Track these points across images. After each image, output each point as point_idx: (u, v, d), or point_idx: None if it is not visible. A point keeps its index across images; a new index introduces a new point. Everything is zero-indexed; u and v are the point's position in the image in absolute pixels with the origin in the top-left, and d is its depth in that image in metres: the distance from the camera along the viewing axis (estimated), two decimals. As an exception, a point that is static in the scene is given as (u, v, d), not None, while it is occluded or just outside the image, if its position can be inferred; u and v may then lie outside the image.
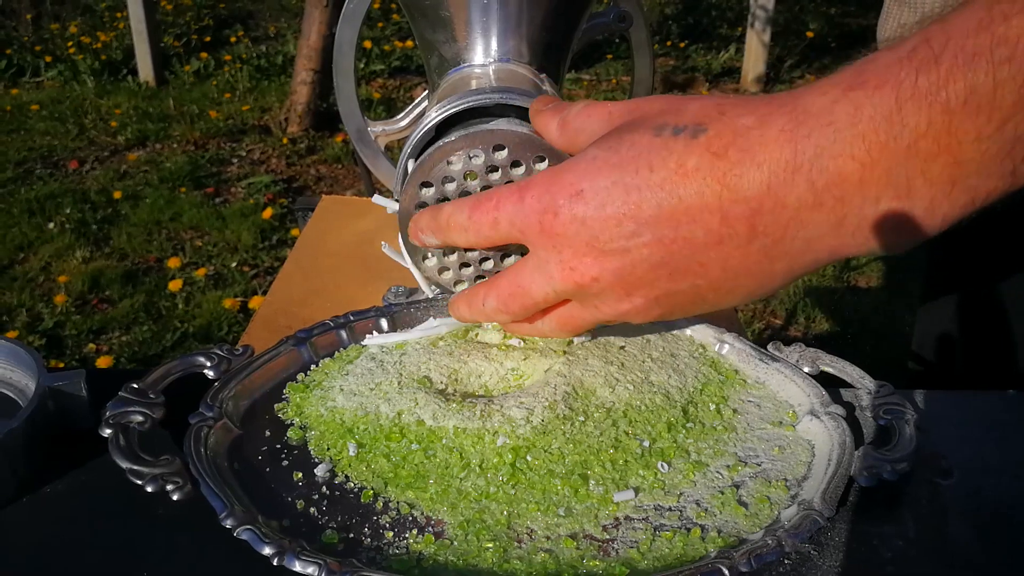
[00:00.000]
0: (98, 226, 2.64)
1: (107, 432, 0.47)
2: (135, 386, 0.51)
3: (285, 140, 3.32)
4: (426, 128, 0.52)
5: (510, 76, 0.59)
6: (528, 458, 0.47)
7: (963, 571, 0.43)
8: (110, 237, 2.58)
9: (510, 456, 0.47)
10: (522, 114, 0.55)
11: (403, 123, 0.82)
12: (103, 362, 1.97)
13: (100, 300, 2.25)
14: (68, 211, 2.70)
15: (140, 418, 0.49)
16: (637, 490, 0.46)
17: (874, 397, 0.53)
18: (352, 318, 0.60)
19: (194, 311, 2.19)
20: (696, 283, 0.41)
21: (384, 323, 0.60)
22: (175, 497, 0.44)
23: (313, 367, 0.57)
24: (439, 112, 0.52)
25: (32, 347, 0.52)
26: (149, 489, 0.44)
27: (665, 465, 0.48)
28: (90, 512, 0.47)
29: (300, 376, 0.56)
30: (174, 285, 2.28)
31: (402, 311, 0.61)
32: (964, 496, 0.48)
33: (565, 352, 0.56)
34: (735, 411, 0.53)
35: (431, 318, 0.60)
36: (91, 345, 2.06)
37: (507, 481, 0.46)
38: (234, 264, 2.42)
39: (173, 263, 2.40)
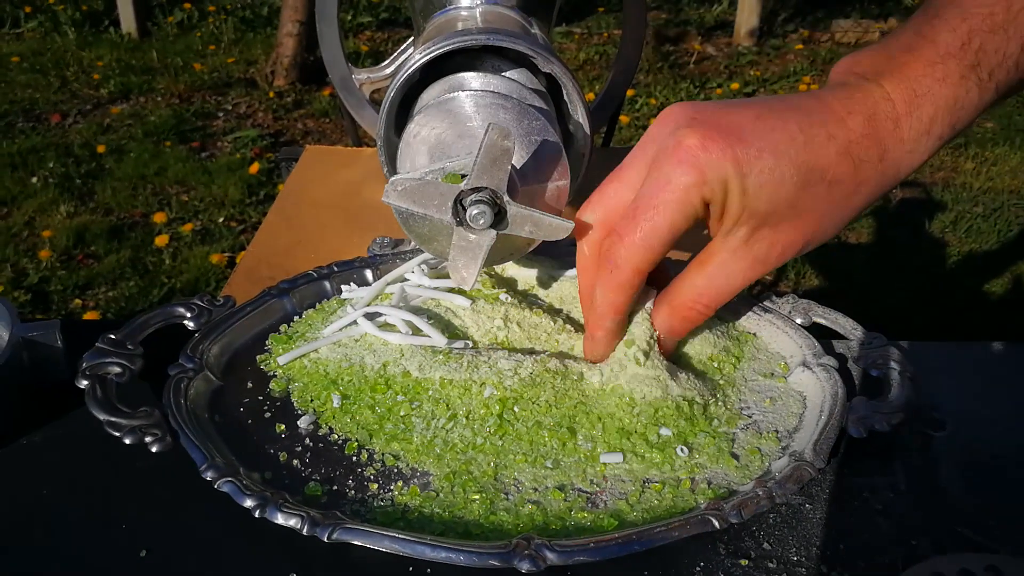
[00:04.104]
0: (82, 180, 2.59)
1: (84, 383, 0.46)
2: (112, 337, 0.50)
3: (271, 94, 3.26)
4: (411, 71, 0.50)
5: (497, 18, 0.57)
6: (516, 409, 0.47)
7: (954, 523, 0.43)
8: (94, 192, 2.54)
9: (497, 407, 0.46)
10: (509, 57, 0.53)
11: (388, 70, 0.80)
12: (89, 317, 1.95)
13: (85, 255, 2.22)
14: (51, 165, 2.65)
15: (118, 369, 0.48)
16: (625, 453, 0.45)
17: (867, 348, 0.52)
18: (336, 269, 0.59)
19: (181, 266, 2.17)
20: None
21: (369, 274, 0.59)
22: (154, 449, 0.43)
23: (296, 318, 0.56)
24: (424, 54, 0.50)
25: (13, 300, 0.50)
26: (127, 441, 0.43)
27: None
28: (67, 464, 0.46)
29: (283, 327, 0.55)
30: (160, 240, 2.25)
31: (387, 262, 0.60)
32: (956, 448, 0.48)
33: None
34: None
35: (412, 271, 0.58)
36: (77, 301, 2.04)
37: (494, 432, 0.46)
38: (221, 219, 2.39)
39: (159, 218, 2.36)
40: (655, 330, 0.48)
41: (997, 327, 1.82)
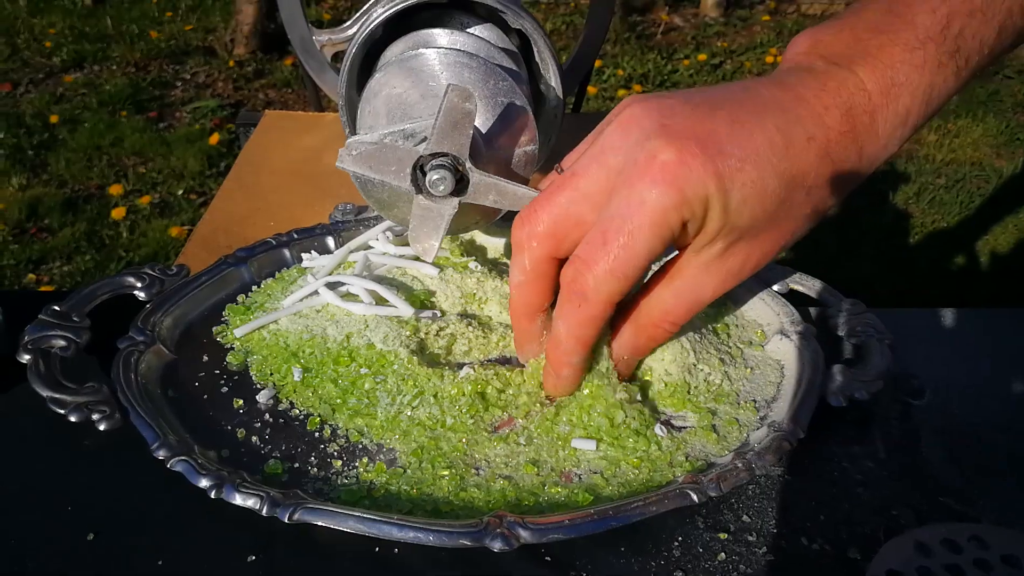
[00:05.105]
0: (34, 151, 2.51)
1: (26, 358, 0.44)
2: (57, 308, 0.47)
3: (231, 63, 3.17)
4: (373, 25, 0.48)
5: (465, -27, 0.55)
6: (488, 390, 0.44)
7: (935, 492, 0.42)
8: (48, 163, 2.46)
9: (469, 387, 0.44)
10: (478, 14, 0.50)
11: (351, 31, 0.76)
12: (44, 293, 1.89)
13: (39, 229, 2.15)
14: (2, 135, 2.56)
15: (63, 343, 0.45)
16: (599, 443, 0.43)
17: (845, 315, 0.51)
18: (296, 236, 0.56)
19: (139, 240, 2.11)
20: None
21: (331, 242, 0.56)
22: (102, 427, 0.41)
23: (254, 288, 0.53)
24: (387, 7, 0.48)
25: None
26: (73, 419, 0.41)
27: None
28: (9, 444, 0.43)
29: (240, 297, 0.52)
30: (117, 213, 2.18)
31: (350, 229, 0.57)
32: (936, 416, 0.47)
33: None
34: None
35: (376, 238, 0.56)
36: (31, 275, 1.97)
37: (466, 412, 0.43)
38: (180, 192, 2.33)
39: (115, 190, 2.29)
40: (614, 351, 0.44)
41: (959, 298, 1.83)
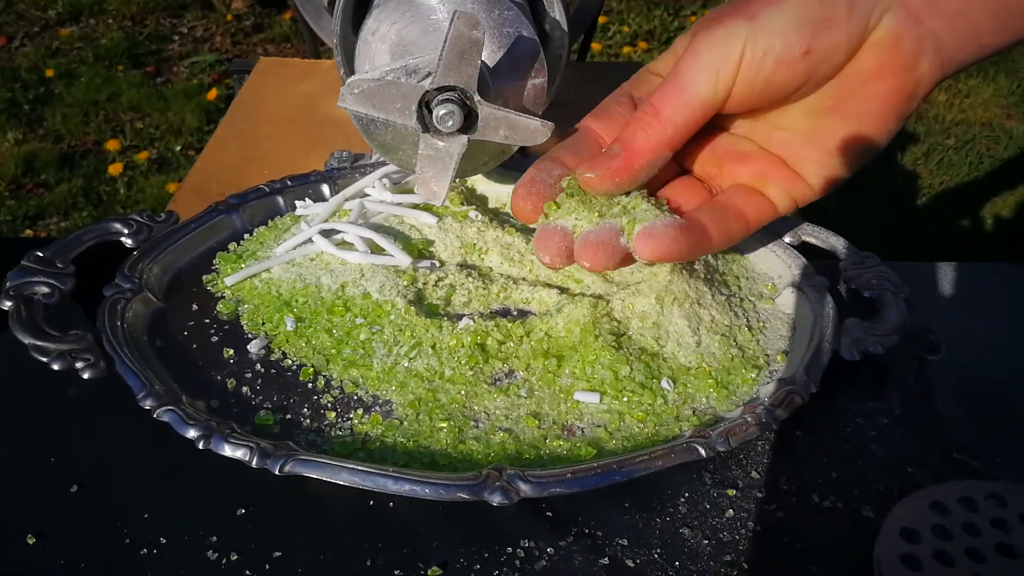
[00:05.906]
0: (30, 106, 2.48)
1: (7, 305, 0.42)
2: (40, 254, 0.45)
3: (229, 17, 3.12)
4: (368, -42, 0.45)
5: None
6: (489, 341, 0.43)
7: (952, 449, 0.40)
8: (44, 118, 2.43)
9: (468, 338, 0.42)
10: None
11: (348, -27, 0.73)
12: (41, 249, 1.87)
13: (35, 184, 2.13)
14: (-3, 90, 2.53)
15: (46, 289, 0.43)
16: (602, 396, 0.41)
17: (859, 268, 0.49)
18: (290, 183, 0.54)
19: (137, 196, 2.08)
20: None
21: (326, 189, 0.54)
22: (86, 376, 0.39)
23: (246, 236, 0.51)
24: (383, -61, 0.45)
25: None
26: (55, 367, 0.39)
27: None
28: (-9, 393, 0.41)
29: (232, 245, 0.50)
30: (114, 169, 2.15)
31: (345, 176, 0.55)
32: (952, 372, 0.45)
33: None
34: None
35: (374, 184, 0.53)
36: (28, 231, 1.95)
37: (465, 364, 0.42)
38: (178, 147, 2.30)
39: (112, 146, 2.26)
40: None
41: (966, 259, 1.82)
